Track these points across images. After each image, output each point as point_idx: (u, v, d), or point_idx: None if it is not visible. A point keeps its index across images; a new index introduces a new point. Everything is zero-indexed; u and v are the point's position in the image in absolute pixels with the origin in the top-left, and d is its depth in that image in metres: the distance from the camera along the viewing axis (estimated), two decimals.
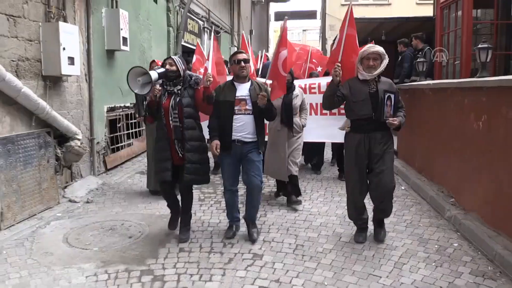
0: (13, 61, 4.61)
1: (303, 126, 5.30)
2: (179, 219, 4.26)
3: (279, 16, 28.55)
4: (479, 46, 4.73)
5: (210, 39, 13.22)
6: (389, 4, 20.09)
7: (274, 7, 29.31)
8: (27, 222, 4.63)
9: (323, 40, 22.07)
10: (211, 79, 3.93)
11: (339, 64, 3.89)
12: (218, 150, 4.00)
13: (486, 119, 4.10)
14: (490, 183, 3.99)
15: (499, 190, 3.84)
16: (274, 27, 36.00)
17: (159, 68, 3.97)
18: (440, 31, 9.17)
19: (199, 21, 12.01)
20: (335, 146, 6.85)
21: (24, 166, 4.70)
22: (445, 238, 4.11)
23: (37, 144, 4.92)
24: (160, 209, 5.04)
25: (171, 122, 3.93)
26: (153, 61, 5.86)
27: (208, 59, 4.74)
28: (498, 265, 3.46)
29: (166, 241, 4.12)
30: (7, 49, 4.53)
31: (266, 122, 4.59)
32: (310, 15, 27.73)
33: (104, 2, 6.54)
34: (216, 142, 4.00)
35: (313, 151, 6.96)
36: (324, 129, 6.16)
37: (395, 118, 3.78)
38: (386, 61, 3.83)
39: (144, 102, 5.08)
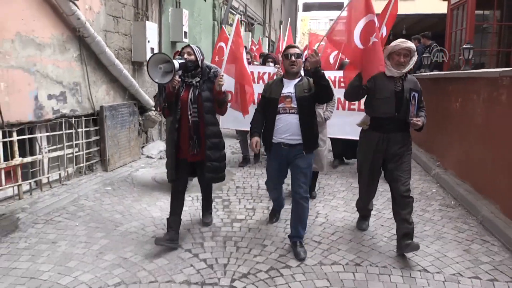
0: (115, 50, 6.32)
1: (326, 119, 5.10)
2: (201, 206, 4.31)
3: (307, 7, 29.89)
4: (463, 46, 6.17)
5: (246, 31, 14.88)
6: (413, 0, 21.18)
7: None
8: (122, 168, 6.39)
9: None
10: (222, 82, 3.68)
11: None
12: (259, 148, 3.78)
13: (461, 101, 5.60)
14: (461, 147, 5.53)
15: (466, 152, 5.37)
16: (301, 17, 37.29)
17: (178, 58, 3.68)
18: (450, 29, 10.52)
19: (237, 15, 13.58)
20: None
21: (121, 127, 6.43)
22: (427, 187, 5.68)
23: (128, 112, 6.64)
24: None
25: (190, 117, 3.67)
26: (177, 51, 5.91)
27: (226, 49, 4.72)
28: (458, 201, 5.03)
29: (226, 183, 5.76)
30: (113, 41, 6.24)
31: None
32: (337, 6, 28.90)
33: (170, 3, 8.19)
34: (257, 139, 3.76)
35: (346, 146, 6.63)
36: (352, 125, 5.77)
37: (418, 119, 3.58)
38: (415, 58, 3.63)
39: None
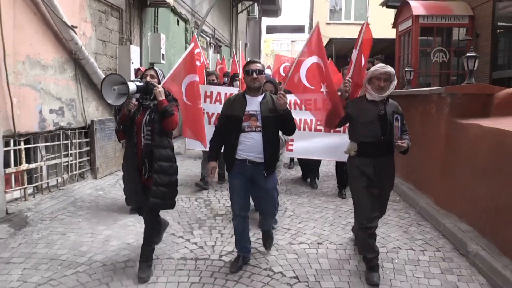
0: (103, 70, 7.04)
1: (286, 141, 5.18)
2: (140, 251, 3.73)
3: (270, 29, 31.28)
4: (406, 69, 7.28)
5: (214, 52, 15.80)
6: (368, 24, 22.89)
7: (266, 22, 31.98)
8: (109, 176, 7.05)
9: None
10: (157, 90, 3.50)
11: (350, 80, 3.82)
12: (213, 175, 3.75)
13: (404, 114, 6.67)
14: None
15: (408, 157, 6.38)
16: (265, 38, 38.88)
17: (137, 80, 3.57)
18: (398, 53, 11.83)
19: (207, 38, 14.52)
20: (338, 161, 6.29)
21: (108, 140, 7.11)
22: None
23: (114, 126, 7.33)
24: (186, 170, 7.52)
25: (142, 139, 3.54)
26: (139, 69, 6.32)
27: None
28: (402, 197, 6.06)
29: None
30: (102, 63, 6.98)
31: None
32: (298, 29, 30.41)
33: (149, 28, 9.01)
34: (213, 165, 3.73)
35: (308, 167, 6.96)
36: (319, 146, 5.98)
37: (403, 141, 3.61)
38: (395, 82, 3.63)
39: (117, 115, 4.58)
